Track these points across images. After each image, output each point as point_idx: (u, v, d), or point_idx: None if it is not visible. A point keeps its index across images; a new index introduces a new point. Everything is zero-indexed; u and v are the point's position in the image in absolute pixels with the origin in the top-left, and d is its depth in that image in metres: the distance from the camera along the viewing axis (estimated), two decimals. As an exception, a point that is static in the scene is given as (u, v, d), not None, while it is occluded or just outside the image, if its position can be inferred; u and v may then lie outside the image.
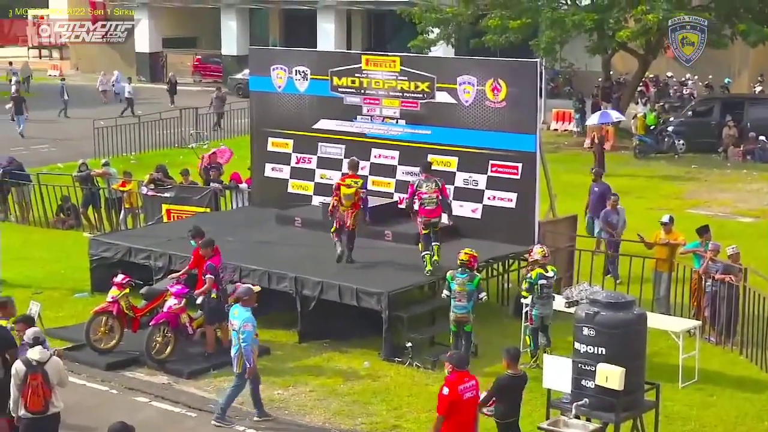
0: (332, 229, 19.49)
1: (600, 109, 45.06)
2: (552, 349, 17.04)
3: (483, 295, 17.34)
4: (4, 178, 28.87)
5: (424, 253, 18.88)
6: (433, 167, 19.68)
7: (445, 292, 17.11)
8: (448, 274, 17.16)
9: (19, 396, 12.86)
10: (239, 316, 15.28)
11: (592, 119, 38.94)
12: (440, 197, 18.76)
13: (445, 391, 12.46)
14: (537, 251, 17.77)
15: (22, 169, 29.65)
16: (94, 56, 69.89)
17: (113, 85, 57.56)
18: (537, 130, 20.57)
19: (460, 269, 17.02)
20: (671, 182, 34.91)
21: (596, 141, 36.58)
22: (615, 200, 23.14)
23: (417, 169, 20.02)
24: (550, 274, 17.54)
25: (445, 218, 19.11)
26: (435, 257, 18.74)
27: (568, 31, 41.06)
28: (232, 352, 15.44)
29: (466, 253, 17.07)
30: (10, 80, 53.90)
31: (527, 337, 17.66)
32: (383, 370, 17.38)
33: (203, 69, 66.94)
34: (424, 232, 18.85)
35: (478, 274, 17.40)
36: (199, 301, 17.71)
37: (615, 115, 39.57)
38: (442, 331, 18.53)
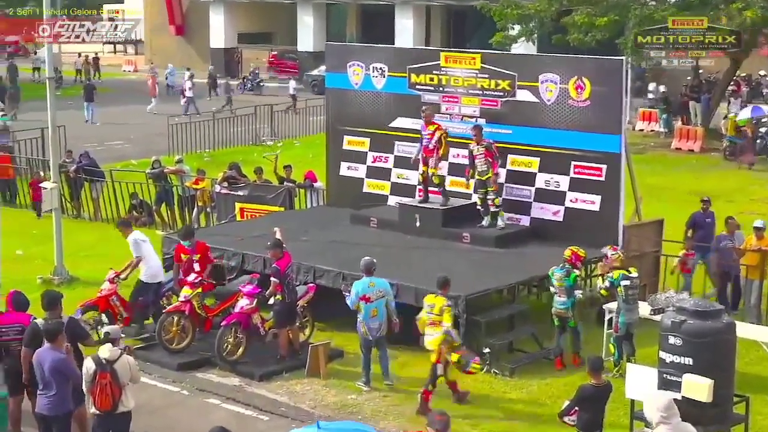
0: None
1: (688, 109, 44.43)
2: (635, 358, 16.60)
3: (578, 292, 17.40)
4: (77, 174, 28.84)
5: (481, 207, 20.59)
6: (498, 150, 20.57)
7: (551, 288, 17.53)
8: (550, 270, 17.36)
9: (89, 394, 12.80)
10: (378, 286, 16.44)
11: (744, 113, 38.43)
12: (491, 158, 20.16)
13: None
14: (614, 257, 17.28)
15: (96, 165, 29.64)
16: (170, 51, 70.37)
17: (166, 78, 57.94)
18: (622, 130, 20.08)
19: (560, 265, 17.21)
20: (763, 185, 33.87)
21: (749, 134, 36.86)
22: (733, 224, 20.55)
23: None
24: (634, 274, 17.03)
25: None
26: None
27: (658, 28, 40.26)
28: (376, 323, 16.33)
29: (570, 249, 17.37)
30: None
31: (611, 345, 17.17)
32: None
33: (279, 65, 67.12)
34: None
35: (575, 271, 17.38)
36: (271, 301, 17.51)
37: (767, 109, 39.17)
38: (520, 336, 18.28)
